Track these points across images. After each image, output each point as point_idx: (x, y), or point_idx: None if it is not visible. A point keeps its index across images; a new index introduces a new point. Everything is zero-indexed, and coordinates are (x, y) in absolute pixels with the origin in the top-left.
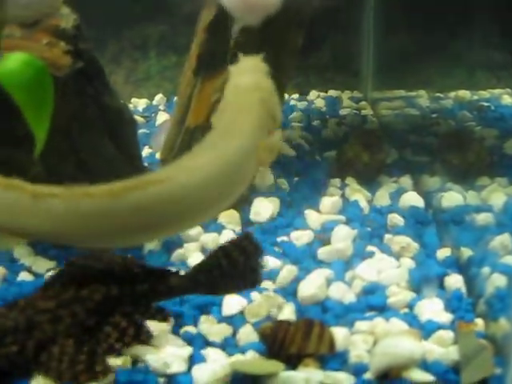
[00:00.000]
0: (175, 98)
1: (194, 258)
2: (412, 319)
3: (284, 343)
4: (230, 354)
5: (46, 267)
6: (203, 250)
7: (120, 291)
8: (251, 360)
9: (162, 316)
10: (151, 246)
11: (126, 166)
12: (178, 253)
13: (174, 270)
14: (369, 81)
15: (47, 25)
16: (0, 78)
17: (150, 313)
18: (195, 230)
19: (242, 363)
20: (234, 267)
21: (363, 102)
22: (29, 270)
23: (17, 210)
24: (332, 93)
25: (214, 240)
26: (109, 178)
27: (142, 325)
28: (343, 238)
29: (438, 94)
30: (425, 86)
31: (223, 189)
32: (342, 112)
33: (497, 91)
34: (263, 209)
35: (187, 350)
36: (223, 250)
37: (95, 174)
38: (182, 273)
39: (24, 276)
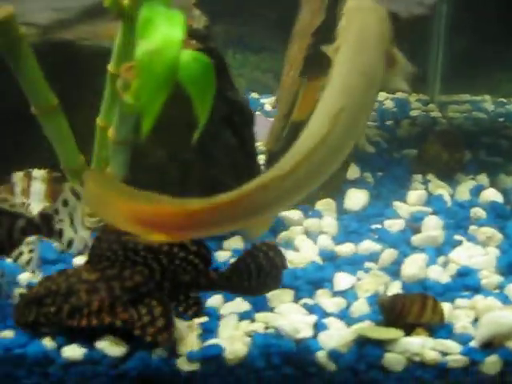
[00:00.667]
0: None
1: (299, 239)
2: (505, 298)
3: (402, 313)
4: (349, 323)
5: None
6: (307, 233)
7: (161, 278)
8: (373, 327)
9: (195, 310)
10: None
11: (241, 153)
12: (283, 235)
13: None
14: (436, 84)
15: None
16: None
17: (187, 304)
18: (297, 215)
19: (366, 329)
20: (260, 271)
21: (431, 105)
22: None
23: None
24: (399, 95)
25: (315, 224)
26: (225, 163)
27: (170, 316)
28: (433, 227)
29: (501, 99)
30: (490, 91)
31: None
32: (412, 113)
33: None
34: (355, 199)
35: (312, 318)
36: (251, 255)
37: (213, 159)
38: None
39: None
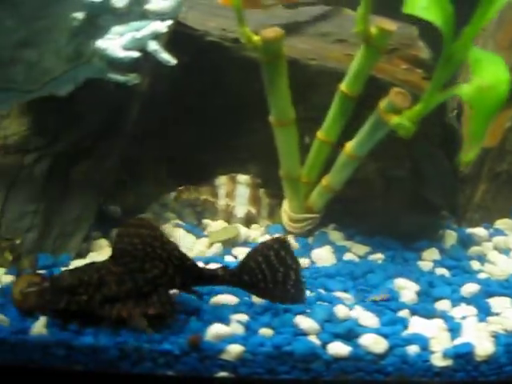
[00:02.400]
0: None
1: (492, 254)
2: None
3: None
4: None
5: (364, 251)
6: (498, 249)
7: (174, 272)
8: None
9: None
10: (451, 241)
11: (451, 175)
12: (475, 249)
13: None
14: None
15: (405, 53)
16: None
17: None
18: (482, 232)
19: None
20: (275, 275)
21: None
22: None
23: None
24: None
25: (502, 241)
26: (435, 183)
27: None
28: None
29: None
30: None
31: None
32: None
33: None
34: None
35: None
36: (259, 252)
37: (424, 178)
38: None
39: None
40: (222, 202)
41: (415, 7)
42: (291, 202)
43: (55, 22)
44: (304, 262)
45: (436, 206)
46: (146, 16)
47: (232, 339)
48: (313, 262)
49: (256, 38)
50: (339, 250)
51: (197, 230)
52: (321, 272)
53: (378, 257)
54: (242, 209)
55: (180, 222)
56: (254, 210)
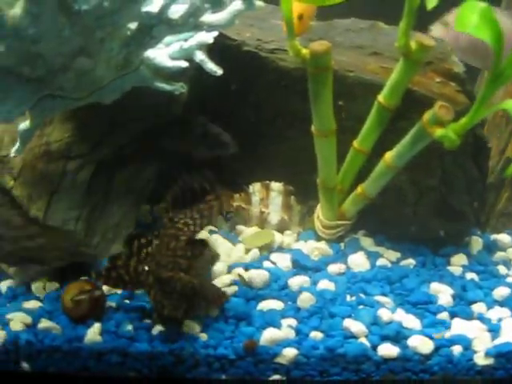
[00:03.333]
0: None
1: None
2: None
3: None
4: None
5: (395, 256)
6: None
7: None
8: None
9: None
10: (478, 247)
11: (479, 185)
12: (500, 255)
13: None
14: None
15: (439, 67)
16: None
17: None
18: (506, 238)
19: None
20: None
21: None
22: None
23: None
24: None
25: None
26: (464, 192)
27: None
28: None
29: None
30: None
31: None
32: None
33: None
34: None
35: None
36: None
37: (454, 187)
38: None
39: None
40: (256, 208)
41: (466, 25)
42: (325, 209)
43: (112, 31)
44: (340, 267)
45: (463, 214)
46: (199, 27)
47: (286, 343)
48: (349, 268)
49: (304, 51)
50: (372, 256)
51: (231, 236)
52: (358, 277)
53: (410, 262)
54: (275, 215)
55: (214, 229)
56: (286, 217)
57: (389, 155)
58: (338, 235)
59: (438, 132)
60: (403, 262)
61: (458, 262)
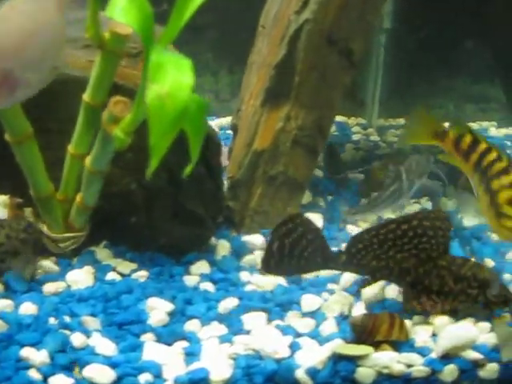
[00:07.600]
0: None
1: None
2: None
3: (372, 332)
4: (321, 342)
5: (129, 268)
6: None
7: None
8: (345, 345)
9: None
10: (224, 252)
11: (208, 182)
12: (248, 258)
13: None
14: (374, 109)
15: None
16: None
17: None
18: (260, 240)
19: (340, 347)
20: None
21: (370, 129)
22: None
23: None
24: (339, 118)
25: None
26: (193, 191)
27: None
28: None
29: None
30: None
31: None
32: (354, 137)
33: (484, 123)
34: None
35: (287, 339)
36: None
37: (182, 186)
38: None
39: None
40: None
41: (114, 10)
42: (48, 222)
43: None
44: (58, 286)
45: (199, 216)
46: None
47: None
48: (69, 286)
49: None
50: (101, 270)
51: None
52: (74, 296)
53: (143, 274)
54: None
55: None
56: None
57: (88, 160)
58: (70, 249)
59: (115, 131)
60: (135, 275)
61: (197, 271)
